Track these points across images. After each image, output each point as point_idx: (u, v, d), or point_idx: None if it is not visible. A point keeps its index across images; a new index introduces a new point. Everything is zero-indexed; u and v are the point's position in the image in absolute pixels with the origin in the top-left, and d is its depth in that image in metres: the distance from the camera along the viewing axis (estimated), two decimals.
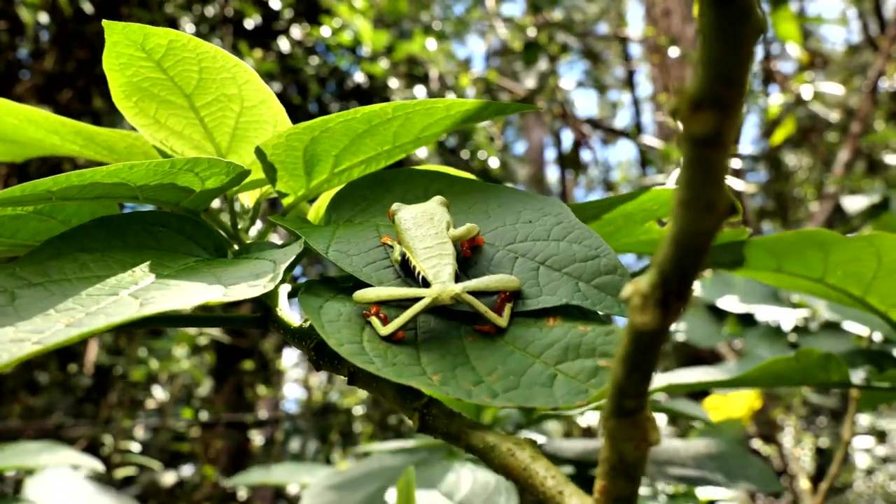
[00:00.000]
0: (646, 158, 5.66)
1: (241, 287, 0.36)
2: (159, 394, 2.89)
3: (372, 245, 0.41)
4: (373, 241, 0.42)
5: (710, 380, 0.59)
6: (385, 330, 0.36)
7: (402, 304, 0.38)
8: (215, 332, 2.88)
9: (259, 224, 0.54)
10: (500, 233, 0.41)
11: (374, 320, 0.37)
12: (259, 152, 0.46)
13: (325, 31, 3.24)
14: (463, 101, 0.44)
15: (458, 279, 0.39)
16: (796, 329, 1.44)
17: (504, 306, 0.37)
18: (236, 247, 0.49)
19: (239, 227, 0.51)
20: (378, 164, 0.49)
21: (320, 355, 0.40)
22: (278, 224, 0.45)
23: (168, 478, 2.76)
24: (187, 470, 3.05)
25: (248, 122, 0.50)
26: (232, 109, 0.49)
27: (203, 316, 0.46)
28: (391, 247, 0.41)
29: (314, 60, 3.31)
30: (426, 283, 0.38)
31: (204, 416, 3.05)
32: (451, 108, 0.44)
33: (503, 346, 0.35)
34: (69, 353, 3.20)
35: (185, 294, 0.35)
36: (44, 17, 2.79)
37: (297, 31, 3.26)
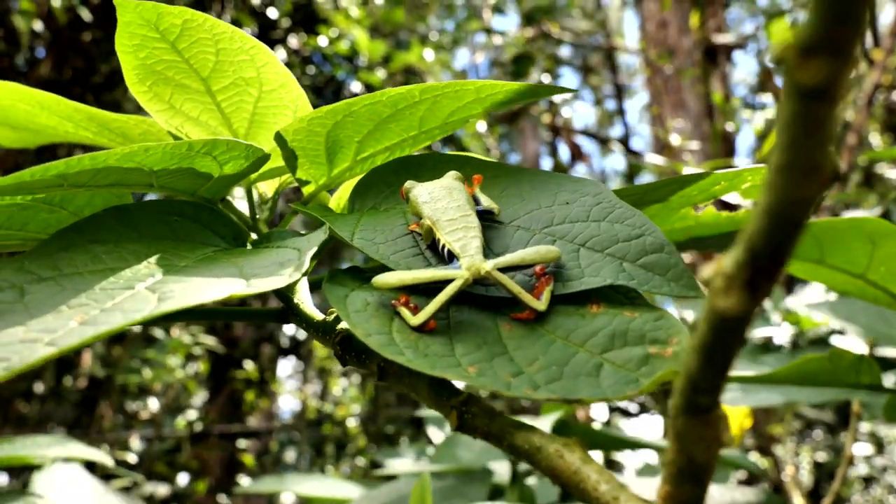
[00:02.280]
0: (633, 169, 5.67)
1: (265, 277, 0.34)
2: (153, 404, 2.86)
3: (399, 233, 0.39)
4: (400, 228, 0.40)
5: (744, 374, 0.57)
6: (415, 320, 0.33)
7: (430, 288, 0.35)
8: (210, 341, 2.86)
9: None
10: (535, 216, 0.38)
11: (403, 310, 0.34)
12: (279, 138, 0.44)
13: (322, 40, 3.23)
14: (494, 83, 0.42)
15: (486, 257, 0.36)
16: (780, 347, 1.42)
17: (543, 290, 0.34)
18: (255, 237, 0.47)
19: (258, 217, 0.49)
20: (402, 152, 0.47)
21: (346, 350, 0.38)
22: (300, 211, 0.43)
23: (161, 489, 2.72)
24: (182, 479, 3.02)
25: (266, 106, 0.47)
26: (250, 94, 0.47)
27: (222, 310, 0.44)
28: (420, 234, 0.39)
29: (311, 70, 3.31)
30: (452, 258, 0.36)
31: (198, 426, 3.02)
32: (482, 91, 0.42)
33: (543, 335, 0.33)
34: (65, 361, 3.17)
35: (206, 287, 0.33)
36: (38, 26, 2.77)
37: (294, 41, 3.26)
